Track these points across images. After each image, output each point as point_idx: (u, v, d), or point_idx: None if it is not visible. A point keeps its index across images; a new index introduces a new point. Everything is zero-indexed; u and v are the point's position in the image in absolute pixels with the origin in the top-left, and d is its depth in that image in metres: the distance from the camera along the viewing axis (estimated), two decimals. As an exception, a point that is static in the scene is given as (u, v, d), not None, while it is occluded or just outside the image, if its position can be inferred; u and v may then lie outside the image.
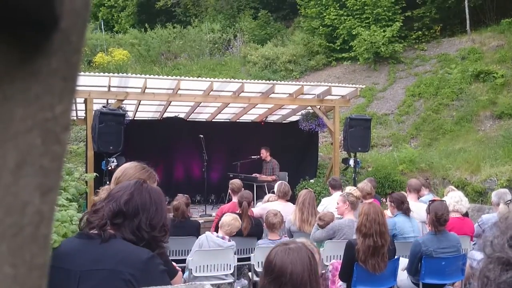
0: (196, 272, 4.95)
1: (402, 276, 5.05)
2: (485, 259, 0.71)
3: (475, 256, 4.45)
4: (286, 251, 2.03)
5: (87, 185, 6.68)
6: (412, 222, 5.59)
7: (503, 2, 17.36)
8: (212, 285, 5.27)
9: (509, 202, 4.98)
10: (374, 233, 4.31)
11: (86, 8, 0.36)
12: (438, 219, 4.72)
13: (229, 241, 5.11)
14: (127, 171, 2.34)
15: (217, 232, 5.22)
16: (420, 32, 18.86)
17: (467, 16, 17.49)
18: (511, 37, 16.31)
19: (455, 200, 5.74)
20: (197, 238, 5.23)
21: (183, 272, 5.18)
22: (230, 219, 5.14)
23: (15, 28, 0.32)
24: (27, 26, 0.33)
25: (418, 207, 6.07)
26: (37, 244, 0.35)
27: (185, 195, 6.34)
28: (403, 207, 5.59)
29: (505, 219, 0.73)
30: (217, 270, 5.09)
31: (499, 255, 0.68)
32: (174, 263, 2.30)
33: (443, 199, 5.77)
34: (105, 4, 27.47)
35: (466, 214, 6.14)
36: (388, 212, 6.66)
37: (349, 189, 6.67)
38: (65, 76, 0.36)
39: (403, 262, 5.06)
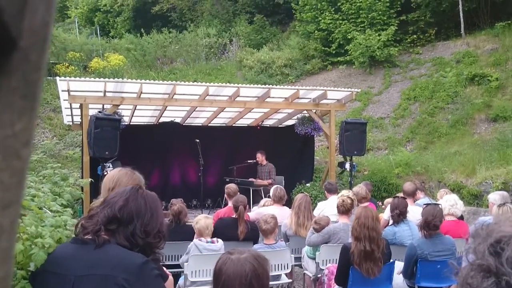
0: (192, 277, 4.94)
1: (398, 279, 5.06)
2: (467, 266, 0.72)
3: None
4: (226, 261, 2.01)
5: (82, 191, 6.66)
6: (412, 230, 5.57)
7: (497, 5, 17.48)
8: (208, 290, 5.22)
9: (502, 205, 4.99)
10: (363, 238, 4.32)
11: (46, 27, 0.37)
12: (428, 224, 4.75)
13: (217, 242, 5.12)
14: (121, 179, 2.33)
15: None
16: (415, 36, 18.96)
17: (462, 20, 17.60)
18: (505, 40, 16.41)
19: (450, 203, 5.75)
20: (194, 243, 5.22)
21: (178, 277, 5.18)
22: (204, 221, 5.14)
23: None
24: None
25: (414, 211, 6.08)
26: None
27: (180, 199, 6.34)
28: (392, 213, 5.60)
29: (486, 226, 0.74)
30: (213, 275, 5.07)
31: (480, 262, 0.70)
32: (164, 268, 2.30)
33: (438, 202, 5.79)
34: (101, 9, 27.51)
35: (461, 217, 6.16)
36: (384, 216, 6.69)
37: (344, 193, 6.66)
38: (25, 94, 0.37)
39: (399, 265, 5.07)
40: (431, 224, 4.75)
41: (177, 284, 5.13)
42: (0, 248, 0.35)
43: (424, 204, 5.41)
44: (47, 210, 2.62)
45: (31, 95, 0.37)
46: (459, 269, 0.74)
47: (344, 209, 5.50)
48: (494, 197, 5.78)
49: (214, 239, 5.14)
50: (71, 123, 12.22)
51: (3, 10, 0.33)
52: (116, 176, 2.38)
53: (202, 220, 5.19)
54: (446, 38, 18.68)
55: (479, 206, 9.75)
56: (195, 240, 5.06)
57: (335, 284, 4.79)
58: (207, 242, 5.05)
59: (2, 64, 0.35)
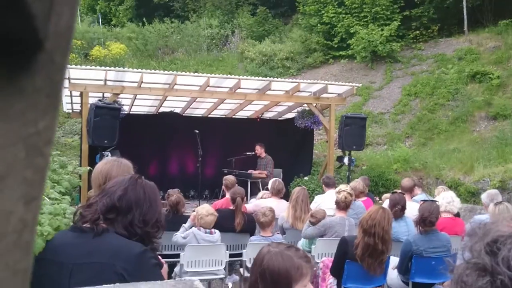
0: (188, 267, 4.98)
1: (393, 274, 5.10)
2: (463, 264, 0.73)
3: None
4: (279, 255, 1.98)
5: (80, 179, 6.68)
6: (409, 226, 5.60)
7: (501, 3, 17.41)
8: (203, 280, 5.30)
9: (499, 203, 5.03)
10: (375, 234, 4.32)
11: (70, 30, 0.38)
12: (424, 220, 4.78)
13: (214, 233, 5.15)
14: (110, 173, 2.32)
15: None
16: (417, 32, 18.90)
17: (465, 17, 17.54)
18: (508, 38, 16.37)
19: (447, 200, 5.78)
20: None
21: (174, 267, 5.21)
22: (204, 213, 5.15)
23: (1, 49, 0.35)
24: (14, 47, 0.35)
25: (411, 207, 6.11)
26: (20, 250, 0.37)
27: (177, 189, 6.36)
28: (393, 210, 5.62)
29: (483, 225, 0.75)
30: (209, 266, 5.12)
31: (476, 260, 0.71)
32: (159, 257, 2.32)
33: (435, 199, 5.82)
34: (103, -3, 27.36)
35: (457, 214, 6.19)
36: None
37: (342, 187, 6.68)
38: (49, 93, 0.38)
39: (394, 260, 5.11)
40: (427, 220, 4.78)
41: (174, 272, 5.16)
42: (23, 241, 0.37)
43: (421, 201, 5.45)
44: (46, 198, 2.64)
45: (54, 94, 0.39)
46: (454, 267, 0.76)
47: (345, 205, 5.52)
48: (484, 197, 5.86)
49: (212, 230, 5.17)
50: (70, 111, 12.22)
51: (36, 16, 0.34)
52: (104, 170, 2.37)
53: (203, 210, 5.21)
54: (449, 35, 18.63)
55: (476, 204, 9.77)
56: (194, 229, 5.09)
57: (330, 276, 4.83)
58: (206, 232, 5.08)
59: (28, 65, 0.37)
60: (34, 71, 0.37)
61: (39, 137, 0.37)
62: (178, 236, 5.13)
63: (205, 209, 5.23)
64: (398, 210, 5.60)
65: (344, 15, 19.35)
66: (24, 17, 0.33)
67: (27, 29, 0.34)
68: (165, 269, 2.55)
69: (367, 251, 4.36)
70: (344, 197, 5.49)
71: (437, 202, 5.20)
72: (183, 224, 5.32)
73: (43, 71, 0.37)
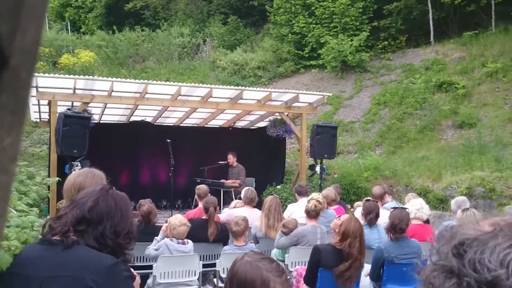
0: (160, 278, 4.91)
1: (365, 281, 5.14)
2: (430, 265, 0.75)
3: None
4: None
5: (49, 190, 6.52)
6: (380, 233, 5.67)
7: (466, 15, 17.99)
8: (176, 291, 5.19)
9: (466, 209, 5.16)
10: (350, 258, 4.36)
11: (35, 47, 0.38)
12: (394, 227, 4.85)
13: (187, 243, 5.10)
14: (82, 185, 2.28)
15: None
16: (386, 42, 19.33)
17: (431, 28, 18.03)
18: (472, 49, 16.90)
19: (416, 207, 5.89)
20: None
21: (147, 278, 5.13)
22: (177, 223, 5.10)
23: None
24: None
25: (382, 214, 6.19)
26: None
27: (148, 199, 6.28)
28: (367, 218, 5.69)
29: (450, 228, 0.77)
30: (182, 277, 5.06)
31: (443, 263, 0.72)
32: (131, 269, 2.28)
33: (405, 206, 5.91)
34: (72, 5, 26.96)
35: (427, 221, 6.31)
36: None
37: (314, 195, 6.72)
38: (14, 110, 0.37)
39: (366, 267, 5.16)
40: (398, 227, 4.85)
41: (146, 284, 5.08)
42: None
43: (392, 208, 5.53)
44: (13, 210, 2.56)
45: (19, 111, 0.38)
46: (422, 269, 0.77)
47: (315, 214, 5.56)
48: (453, 206, 6.00)
49: (185, 240, 5.11)
50: (38, 120, 11.95)
51: (1, 35, 0.34)
52: (77, 182, 2.33)
53: (176, 220, 5.14)
54: (416, 46, 19.11)
55: (444, 210, 10.00)
56: (166, 240, 5.02)
57: (303, 284, 4.84)
58: (178, 243, 5.02)
59: None
60: None
61: (4, 154, 0.37)
62: (151, 249, 5.06)
63: (178, 220, 5.17)
64: (373, 217, 5.66)
65: (314, 25, 19.62)
66: None
67: None
68: (137, 282, 2.50)
69: (345, 275, 4.37)
70: (314, 206, 5.53)
71: (407, 209, 5.29)
72: (155, 237, 5.24)
73: (8, 88, 0.37)
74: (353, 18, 19.05)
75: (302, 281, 4.83)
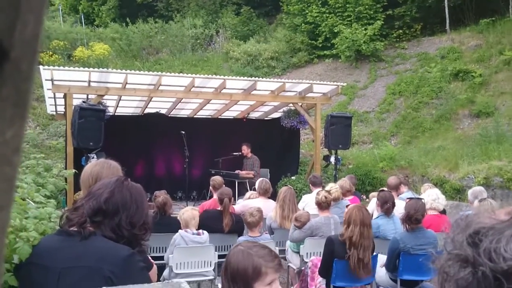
0: (176, 269, 4.95)
1: (381, 272, 5.13)
2: (445, 255, 0.74)
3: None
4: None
5: (66, 182, 6.60)
6: (395, 224, 5.64)
7: (482, 2, 17.66)
8: (193, 282, 5.26)
9: (483, 200, 5.10)
10: (359, 246, 4.38)
11: (36, 38, 0.38)
12: (410, 217, 4.82)
13: (202, 234, 5.14)
14: (100, 175, 2.29)
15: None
16: (401, 31, 19.08)
17: (447, 16, 17.75)
18: (489, 37, 16.61)
19: (432, 198, 5.83)
20: (178, 235, 5.22)
21: (163, 269, 5.18)
22: (191, 212, 5.17)
23: None
24: None
25: (397, 205, 6.16)
26: None
27: (163, 191, 6.32)
28: (384, 207, 5.65)
29: (465, 217, 0.76)
30: (198, 267, 5.10)
31: (458, 252, 0.72)
32: (149, 257, 2.30)
33: (420, 196, 5.87)
34: (86, -3, 27.10)
35: (443, 211, 6.25)
36: (368, 209, 6.75)
37: (330, 186, 6.71)
38: (16, 102, 0.38)
39: (382, 258, 5.14)
40: (413, 218, 4.81)
41: (162, 276, 5.13)
42: None
43: (407, 198, 5.49)
44: (30, 201, 2.60)
45: (21, 103, 0.38)
46: (436, 258, 0.76)
47: (326, 205, 5.56)
48: (469, 197, 5.95)
49: (200, 231, 5.14)
50: (54, 113, 12.08)
51: (1, 27, 0.34)
52: (94, 172, 2.35)
53: (189, 211, 5.20)
54: (432, 34, 18.84)
55: (461, 201, 9.90)
56: (181, 231, 5.06)
57: (318, 276, 4.84)
58: (193, 233, 5.06)
59: None
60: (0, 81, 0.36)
61: (7, 146, 0.37)
62: (168, 251, 5.12)
63: (187, 207, 5.31)
64: (390, 207, 5.64)
65: (328, 15, 19.45)
66: None
67: None
68: (154, 270, 2.53)
69: (356, 263, 4.39)
70: (324, 197, 5.54)
71: (422, 200, 5.25)
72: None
73: (9, 80, 0.37)
74: (367, 6, 18.83)
75: (317, 272, 4.84)
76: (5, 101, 0.37)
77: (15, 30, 0.36)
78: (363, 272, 4.44)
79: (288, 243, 5.88)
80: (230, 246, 5.77)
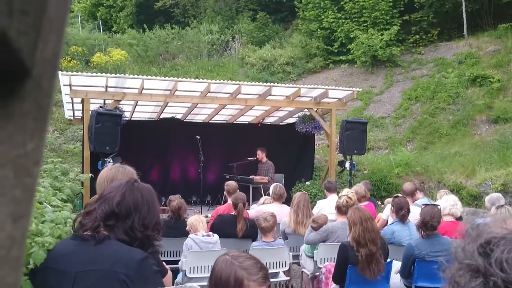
0: (190, 273, 4.97)
1: (395, 279, 5.08)
2: (456, 264, 0.74)
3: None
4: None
5: (82, 186, 6.68)
6: (411, 230, 5.58)
7: (500, 7, 17.45)
8: (206, 286, 5.26)
9: (500, 206, 5.02)
10: (367, 242, 4.35)
11: (57, 56, 0.40)
12: (426, 224, 4.76)
13: (212, 235, 5.16)
14: (115, 178, 2.33)
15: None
16: (417, 36, 18.94)
17: (465, 21, 17.58)
18: (507, 42, 16.40)
19: (451, 203, 5.75)
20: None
21: (177, 273, 5.20)
22: (195, 218, 5.24)
23: None
24: (1, 75, 0.37)
25: (413, 211, 6.10)
26: (8, 265, 0.38)
27: (178, 195, 6.35)
28: (399, 214, 5.60)
29: (476, 227, 0.76)
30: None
31: (469, 262, 0.71)
32: (164, 263, 2.31)
33: (436, 202, 5.80)
34: (104, 4, 27.47)
35: (460, 218, 6.17)
36: (383, 215, 6.71)
37: (346, 191, 6.67)
38: (36, 117, 0.40)
39: (396, 265, 5.09)
40: (429, 224, 4.76)
41: (175, 281, 5.15)
42: (11, 257, 0.38)
43: (423, 205, 5.43)
44: (47, 205, 2.64)
45: (42, 118, 0.40)
46: (447, 267, 0.76)
47: (346, 209, 5.51)
48: (487, 204, 5.85)
49: (210, 233, 5.16)
50: (72, 118, 12.24)
51: (21, 49, 0.36)
52: (110, 175, 2.38)
53: (194, 216, 5.27)
54: (449, 39, 18.66)
55: (478, 207, 9.76)
56: (191, 235, 5.08)
57: (332, 282, 4.82)
58: (203, 235, 5.07)
59: (16, 91, 0.38)
60: (22, 96, 0.38)
61: (27, 158, 0.39)
62: (181, 260, 5.14)
63: (191, 217, 5.41)
64: (405, 213, 5.58)
65: (343, 20, 19.40)
66: (10, 52, 0.35)
67: (13, 62, 0.36)
68: (169, 276, 2.54)
69: (366, 261, 4.37)
70: (345, 201, 5.49)
71: (438, 206, 5.19)
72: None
73: (31, 96, 0.39)
74: (383, 12, 18.74)
75: (331, 278, 4.81)
76: (27, 115, 0.39)
77: (36, 49, 0.37)
78: (375, 268, 4.39)
79: (302, 248, 5.86)
80: (244, 251, 5.77)
